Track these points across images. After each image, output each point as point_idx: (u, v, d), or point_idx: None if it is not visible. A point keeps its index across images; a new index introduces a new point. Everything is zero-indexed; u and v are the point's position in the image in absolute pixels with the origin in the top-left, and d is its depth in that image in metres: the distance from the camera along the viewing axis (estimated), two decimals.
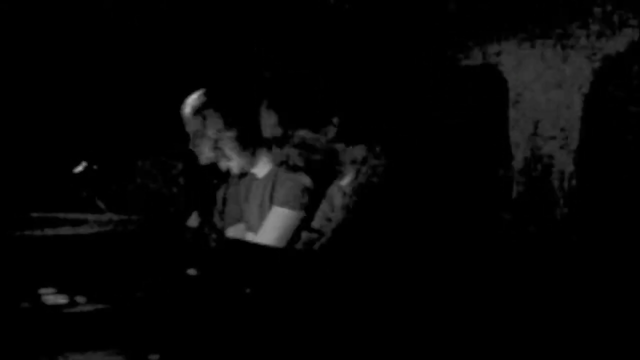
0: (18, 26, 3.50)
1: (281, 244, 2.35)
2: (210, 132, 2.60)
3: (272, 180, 2.56)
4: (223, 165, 2.68)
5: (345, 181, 1.99)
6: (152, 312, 1.81)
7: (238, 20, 3.51)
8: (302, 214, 2.35)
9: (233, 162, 2.62)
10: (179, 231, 2.51)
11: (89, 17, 3.56)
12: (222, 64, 3.52)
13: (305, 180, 1.99)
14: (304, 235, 2.19)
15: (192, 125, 2.91)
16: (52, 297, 1.88)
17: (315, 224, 2.17)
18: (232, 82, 2.68)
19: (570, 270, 2.08)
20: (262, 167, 2.63)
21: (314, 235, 2.13)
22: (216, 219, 3.10)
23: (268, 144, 2.59)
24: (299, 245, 2.18)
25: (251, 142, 2.58)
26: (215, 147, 2.60)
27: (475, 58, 2.45)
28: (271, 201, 2.53)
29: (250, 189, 2.71)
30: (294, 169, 1.98)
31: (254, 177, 2.68)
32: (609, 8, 2.00)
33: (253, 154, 2.61)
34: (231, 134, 2.57)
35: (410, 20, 2.69)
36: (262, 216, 2.57)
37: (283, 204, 2.41)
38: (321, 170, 1.97)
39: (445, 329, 1.80)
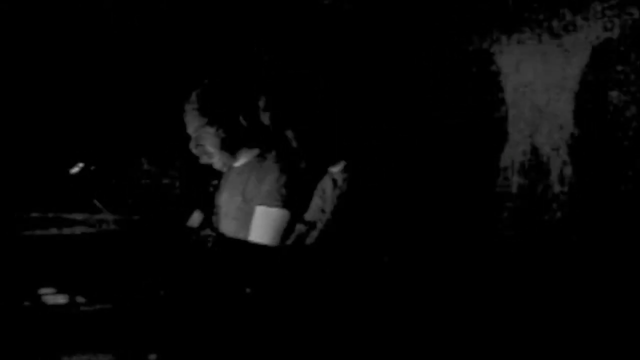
0: (18, 26, 3.50)
1: (274, 242, 2.35)
2: (191, 130, 2.60)
3: (249, 170, 2.56)
4: (205, 162, 2.68)
5: (337, 167, 1.99)
6: (152, 312, 1.81)
7: (238, 20, 3.51)
8: (288, 211, 2.35)
9: (215, 159, 2.63)
10: (179, 231, 2.52)
11: (88, 17, 3.56)
12: (221, 64, 3.52)
13: (301, 164, 1.99)
14: (297, 227, 2.19)
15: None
16: (52, 297, 1.88)
17: (309, 215, 2.17)
18: (214, 79, 2.67)
19: (570, 270, 2.08)
20: (242, 160, 2.64)
21: (307, 227, 2.13)
22: (215, 220, 3.11)
23: (249, 140, 2.60)
24: (292, 238, 2.18)
25: (232, 138, 2.58)
26: (197, 144, 2.60)
27: (475, 57, 2.45)
28: (244, 194, 2.53)
29: (227, 178, 2.72)
30: (291, 153, 1.98)
31: (233, 169, 2.69)
32: (609, 7, 2.00)
33: (235, 150, 2.61)
34: (212, 130, 2.56)
35: (408, 19, 2.69)
36: (232, 203, 2.59)
37: (266, 203, 2.41)
38: (317, 155, 1.97)
39: (441, 323, 1.80)
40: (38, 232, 2.00)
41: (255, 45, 3.42)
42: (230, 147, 2.59)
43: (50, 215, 2.19)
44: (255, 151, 2.62)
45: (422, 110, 2.59)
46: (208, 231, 2.74)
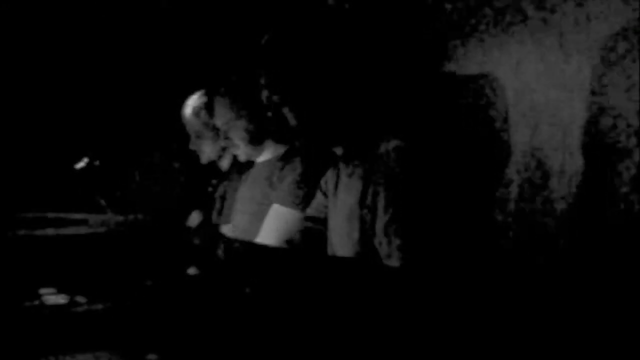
0: (18, 26, 3.51)
1: (281, 242, 2.36)
2: (220, 123, 2.66)
3: (272, 167, 2.59)
4: (228, 155, 2.74)
5: (340, 151, 2.00)
6: (152, 312, 1.81)
7: (238, 20, 3.51)
8: (302, 213, 2.37)
9: (240, 150, 2.68)
10: (179, 231, 2.53)
11: (90, 16, 3.56)
12: (222, 64, 3.52)
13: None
14: (302, 224, 2.21)
15: (192, 126, 2.94)
16: (52, 297, 1.88)
17: (311, 211, 2.18)
18: (239, 73, 2.72)
19: (570, 270, 2.08)
20: (266, 155, 2.68)
21: (309, 224, 2.14)
22: (215, 218, 3.11)
23: (275, 134, 2.65)
24: (297, 236, 2.19)
25: (259, 131, 2.65)
26: (225, 137, 2.67)
27: (475, 57, 2.45)
28: (270, 189, 2.55)
29: (250, 173, 2.76)
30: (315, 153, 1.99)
31: (256, 164, 2.72)
32: (609, 7, 2.00)
33: (260, 144, 2.68)
34: (240, 123, 2.63)
35: (407, 19, 2.69)
36: (251, 197, 2.62)
37: (283, 203, 2.43)
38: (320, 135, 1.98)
39: (442, 328, 1.80)
40: (38, 232, 2.00)
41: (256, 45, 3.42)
42: (257, 140, 2.66)
43: (50, 215, 2.19)
44: (281, 149, 2.66)
45: (421, 110, 2.60)
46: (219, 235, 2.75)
